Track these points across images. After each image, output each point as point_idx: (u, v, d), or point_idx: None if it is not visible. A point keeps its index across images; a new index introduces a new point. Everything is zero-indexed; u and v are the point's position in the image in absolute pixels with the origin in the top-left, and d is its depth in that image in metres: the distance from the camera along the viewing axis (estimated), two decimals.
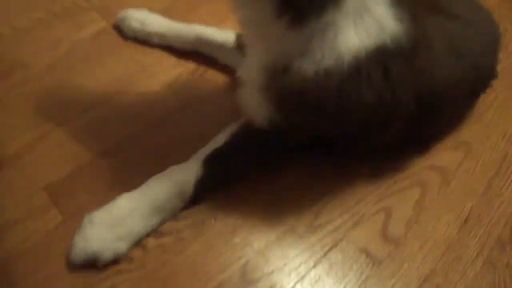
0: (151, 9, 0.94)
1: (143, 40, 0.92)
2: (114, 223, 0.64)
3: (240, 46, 0.80)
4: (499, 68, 1.14)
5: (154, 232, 0.69)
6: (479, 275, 0.74)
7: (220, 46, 0.88)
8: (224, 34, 0.88)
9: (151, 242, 0.68)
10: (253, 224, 0.73)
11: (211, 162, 0.69)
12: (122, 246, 0.64)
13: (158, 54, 0.93)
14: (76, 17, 0.98)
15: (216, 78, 0.90)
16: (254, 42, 0.66)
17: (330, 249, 0.71)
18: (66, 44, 0.93)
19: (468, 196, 0.84)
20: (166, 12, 0.95)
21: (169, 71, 0.91)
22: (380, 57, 0.58)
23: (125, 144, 0.79)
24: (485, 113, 1.03)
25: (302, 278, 0.69)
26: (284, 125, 0.65)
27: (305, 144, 0.73)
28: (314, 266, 0.70)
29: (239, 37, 0.83)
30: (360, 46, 0.56)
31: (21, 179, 0.73)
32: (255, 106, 0.67)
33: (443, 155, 0.90)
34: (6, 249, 0.66)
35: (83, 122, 0.81)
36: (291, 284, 0.68)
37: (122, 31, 0.93)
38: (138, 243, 0.67)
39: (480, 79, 0.87)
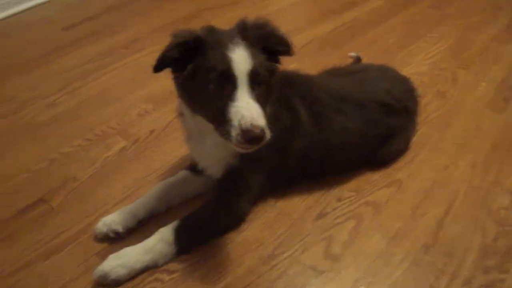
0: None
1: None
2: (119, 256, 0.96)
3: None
4: (435, 115, 1.40)
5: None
6: (405, 273, 0.96)
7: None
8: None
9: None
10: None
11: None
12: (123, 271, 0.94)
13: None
14: (105, 140, 1.37)
15: None
16: None
17: (285, 269, 0.98)
18: (100, 161, 1.29)
19: (397, 220, 1.07)
20: None
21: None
22: None
23: None
24: (418, 154, 1.27)
25: None
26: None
27: None
28: (275, 280, 0.95)
29: None
30: None
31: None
32: None
33: (377, 193, 1.15)
34: None
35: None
36: None
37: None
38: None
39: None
